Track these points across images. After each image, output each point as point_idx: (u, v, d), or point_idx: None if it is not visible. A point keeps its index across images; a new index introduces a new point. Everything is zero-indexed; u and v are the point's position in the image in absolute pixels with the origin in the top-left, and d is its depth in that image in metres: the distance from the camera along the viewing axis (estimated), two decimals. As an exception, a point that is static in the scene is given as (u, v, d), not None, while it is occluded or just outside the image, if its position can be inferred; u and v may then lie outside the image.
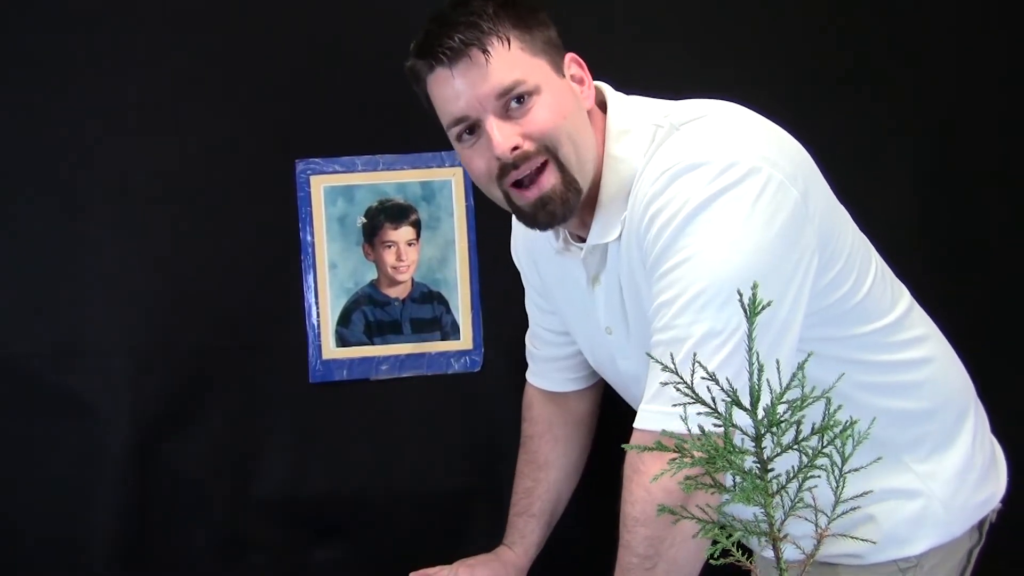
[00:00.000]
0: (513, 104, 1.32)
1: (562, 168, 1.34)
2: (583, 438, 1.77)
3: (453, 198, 1.82)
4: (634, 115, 1.40)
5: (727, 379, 0.95)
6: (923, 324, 1.51)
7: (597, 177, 1.38)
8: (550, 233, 1.47)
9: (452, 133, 1.39)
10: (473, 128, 1.36)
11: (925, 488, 1.45)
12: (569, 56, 1.40)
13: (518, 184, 1.35)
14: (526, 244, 1.63)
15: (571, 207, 1.36)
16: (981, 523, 1.51)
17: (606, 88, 1.45)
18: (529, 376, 1.77)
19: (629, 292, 1.40)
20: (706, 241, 1.24)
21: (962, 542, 1.49)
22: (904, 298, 1.49)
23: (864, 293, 1.39)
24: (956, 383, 1.53)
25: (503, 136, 1.31)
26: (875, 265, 1.44)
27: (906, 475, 1.44)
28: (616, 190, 1.37)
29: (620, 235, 1.37)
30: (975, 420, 1.52)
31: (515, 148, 1.32)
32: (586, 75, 1.42)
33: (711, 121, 1.34)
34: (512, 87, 1.32)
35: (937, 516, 1.45)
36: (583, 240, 1.44)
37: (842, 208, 1.42)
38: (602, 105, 1.43)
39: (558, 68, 1.38)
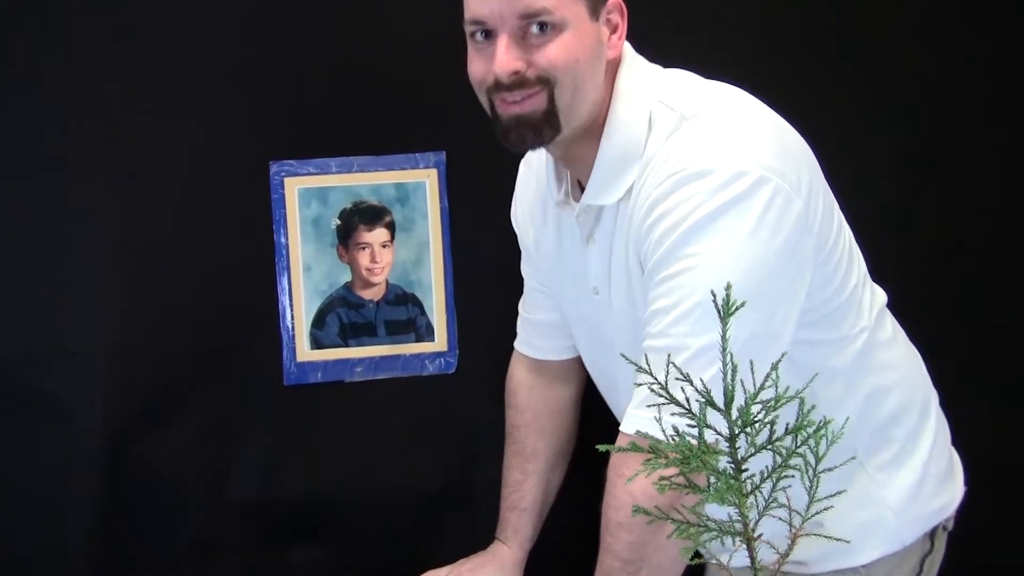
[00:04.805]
0: (534, 29, 1.32)
1: (552, 103, 1.34)
2: (569, 426, 1.77)
3: (427, 200, 1.82)
4: (642, 84, 1.40)
5: (701, 379, 0.96)
6: (892, 326, 1.51)
7: (597, 135, 1.38)
8: (553, 185, 1.49)
9: (468, 30, 1.38)
10: (488, 34, 1.35)
11: (877, 495, 1.44)
12: (613, 1, 1.38)
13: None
14: (529, 204, 1.62)
15: (543, 138, 1.36)
16: (933, 531, 1.50)
17: (626, 48, 1.44)
18: (517, 345, 1.77)
19: (617, 263, 1.40)
20: (710, 252, 1.25)
21: (913, 551, 1.48)
22: (879, 298, 1.48)
23: (848, 294, 1.39)
24: (921, 387, 1.52)
25: (508, 57, 1.32)
26: (858, 264, 1.43)
27: (862, 479, 1.43)
28: (614, 155, 1.37)
29: (617, 203, 1.38)
30: (936, 426, 1.51)
31: (515, 72, 1.33)
32: (623, 24, 1.40)
33: (719, 119, 1.34)
34: (538, 13, 1.31)
35: (888, 524, 1.44)
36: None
37: (836, 206, 1.41)
38: (617, 63, 1.42)
39: (595, 11, 1.36)
